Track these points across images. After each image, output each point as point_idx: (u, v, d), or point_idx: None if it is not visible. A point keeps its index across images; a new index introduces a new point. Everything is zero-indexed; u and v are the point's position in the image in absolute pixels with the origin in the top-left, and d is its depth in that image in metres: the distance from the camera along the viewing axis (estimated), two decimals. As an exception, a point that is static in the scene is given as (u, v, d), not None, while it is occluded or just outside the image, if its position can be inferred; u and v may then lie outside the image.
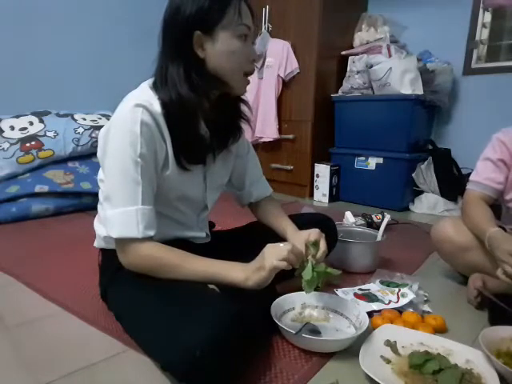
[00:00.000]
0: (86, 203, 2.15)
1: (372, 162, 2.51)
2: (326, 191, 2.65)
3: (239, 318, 0.70)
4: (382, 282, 1.20)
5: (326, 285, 1.19)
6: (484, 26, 2.49)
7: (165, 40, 0.84)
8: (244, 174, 1.11)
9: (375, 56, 2.45)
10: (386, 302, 1.07)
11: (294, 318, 0.98)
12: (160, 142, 0.82)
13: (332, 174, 2.63)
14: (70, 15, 2.67)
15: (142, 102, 0.78)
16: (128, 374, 0.80)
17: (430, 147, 2.47)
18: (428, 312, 1.07)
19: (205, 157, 0.92)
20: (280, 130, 2.81)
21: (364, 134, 2.53)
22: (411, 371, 0.77)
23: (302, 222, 1.05)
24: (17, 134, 2.17)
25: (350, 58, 2.63)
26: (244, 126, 1.02)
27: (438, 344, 0.86)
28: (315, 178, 2.70)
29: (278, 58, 2.67)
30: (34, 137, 2.17)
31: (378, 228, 1.46)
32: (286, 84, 2.75)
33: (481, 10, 2.46)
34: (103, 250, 0.99)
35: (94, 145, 2.28)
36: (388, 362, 0.81)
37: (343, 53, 2.70)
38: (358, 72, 2.54)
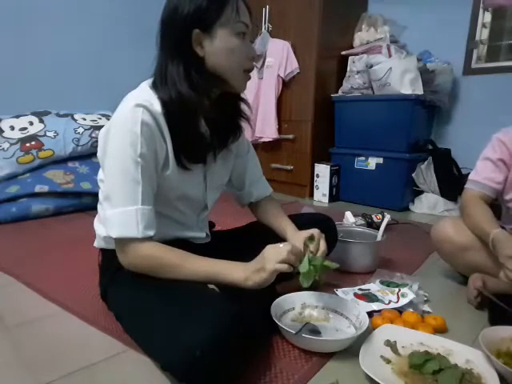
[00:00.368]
0: (85, 203, 2.15)
1: (372, 162, 2.51)
2: (326, 191, 2.65)
3: (239, 318, 0.70)
4: (382, 282, 1.20)
5: (325, 285, 1.20)
6: (484, 26, 2.49)
7: (163, 39, 0.84)
8: (244, 174, 1.11)
9: (375, 56, 2.45)
10: (386, 302, 1.07)
11: (294, 318, 0.98)
12: (160, 141, 0.82)
13: (332, 174, 2.63)
14: (70, 15, 2.68)
15: (142, 101, 0.78)
16: (128, 374, 0.80)
17: (430, 147, 2.47)
18: (428, 312, 1.07)
19: (205, 156, 0.92)
20: (280, 130, 2.81)
21: (364, 134, 2.53)
22: (411, 371, 0.77)
23: (302, 222, 1.05)
24: (17, 134, 2.17)
25: (350, 58, 2.63)
26: (244, 125, 1.02)
27: (438, 344, 0.86)
28: (315, 178, 2.70)
29: (278, 58, 2.68)
30: (33, 137, 2.17)
31: (378, 228, 1.46)
32: (286, 84, 2.75)
33: (481, 10, 2.46)
34: (103, 250, 0.99)
35: (94, 145, 2.28)
36: (388, 362, 0.81)
37: (343, 53, 2.70)
38: (357, 72, 2.54)
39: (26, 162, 2.09)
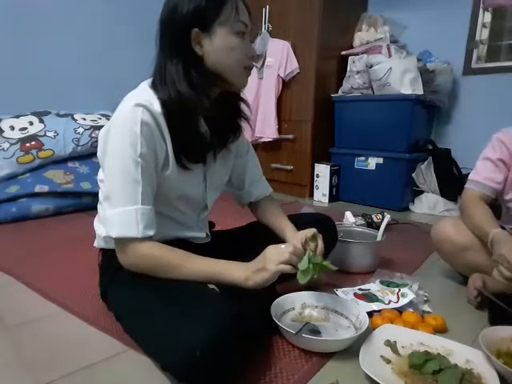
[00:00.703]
0: (85, 203, 2.15)
1: (372, 162, 2.51)
2: (326, 191, 2.65)
3: (239, 318, 0.70)
4: (382, 282, 1.20)
5: (325, 285, 1.20)
6: (484, 25, 2.49)
7: (163, 39, 0.84)
8: (244, 174, 1.11)
9: (375, 56, 2.45)
10: (386, 302, 1.07)
11: (294, 318, 0.98)
12: (160, 141, 0.82)
13: (332, 174, 2.63)
14: (70, 15, 2.67)
15: (142, 101, 0.78)
16: (128, 374, 0.80)
17: (430, 147, 2.47)
18: (428, 312, 1.07)
19: (205, 155, 0.92)
20: (280, 130, 2.81)
21: (364, 134, 2.53)
22: (411, 371, 0.77)
23: (302, 222, 1.05)
24: (17, 134, 2.17)
25: (350, 58, 2.63)
26: (244, 125, 1.02)
27: (438, 344, 0.86)
28: (315, 178, 2.70)
29: (278, 58, 2.67)
30: (33, 137, 2.17)
31: (377, 228, 1.46)
32: (286, 84, 2.74)
33: (481, 10, 2.46)
34: (103, 250, 0.99)
35: (94, 145, 2.28)
36: (388, 362, 0.81)
37: (343, 53, 2.70)
38: (357, 72, 2.54)
39: (25, 162, 2.09)
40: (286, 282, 1.06)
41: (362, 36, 2.66)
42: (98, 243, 0.99)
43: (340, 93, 2.67)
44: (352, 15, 2.73)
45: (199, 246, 1.00)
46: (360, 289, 1.17)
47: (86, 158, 2.31)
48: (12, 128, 2.19)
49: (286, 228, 1.03)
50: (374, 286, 1.19)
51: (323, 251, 0.94)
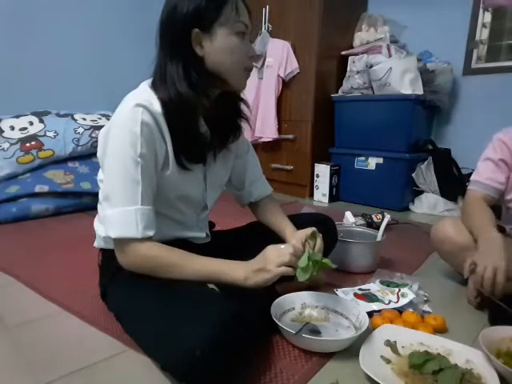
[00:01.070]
0: (86, 203, 2.15)
1: (372, 162, 2.51)
2: (326, 191, 2.65)
3: (239, 318, 0.70)
4: (382, 282, 1.20)
5: (325, 285, 1.20)
6: (484, 25, 2.49)
7: (163, 39, 0.84)
8: (244, 174, 1.11)
9: (375, 56, 2.45)
10: (386, 302, 1.07)
11: (294, 318, 0.98)
12: (160, 141, 0.82)
13: (332, 174, 2.63)
14: (70, 15, 2.67)
15: (142, 101, 0.78)
16: (128, 374, 0.80)
17: (430, 147, 2.47)
18: (428, 312, 1.07)
19: (205, 156, 0.92)
20: (280, 130, 2.81)
21: (364, 134, 2.53)
22: (411, 371, 0.77)
23: (302, 221, 1.05)
24: (17, 134, 2.17)
25: (350, 58, 2.62)
26: (243, 125, 1.02)
27: (438, 344, 0.86)
28: (315, 178, 2.70)
29: (278, 58, 2.67)
30: (33, 137, 2.17)
31: (377, 228, 1.46)
32: (286, 84, 2.74)
33: (481, 10, 2.46)
34: (103, 250, 0.99)
35: (94, 145, 2.28)
36: (388, 362, 0.81)
37: (343, 53, 2.70)
38: (357, 72, 2.54)
39: (26, 162, 2.09)
40: (286, 282, 1.06)
41: (362, 36, 2.66)
42: (97, 243, 0.99)
43: (340, 93, 2.67)
44: (352, 15, 2.73)
45: (199, 246, 1.00)
46: (360, 289, 1.17)
47: (86, 157, 2.31)
48: (12, 128, 2.19)
49: (286, 228, 1.03)
50: (374, 286, 1.19)
51: (322, 249, 0.94)
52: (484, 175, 1.16)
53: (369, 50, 2.56)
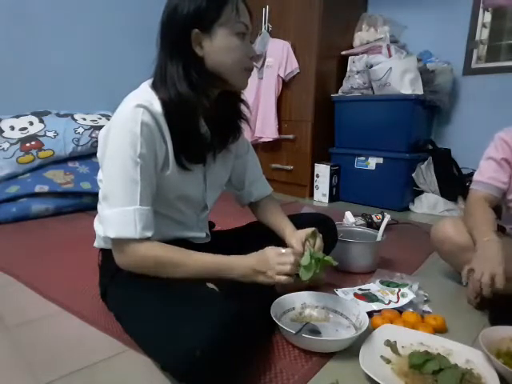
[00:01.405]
0: (86, 203, 2.15)
1: (372, 162, 2.51)
2: (326, 191, 2.65)
3: (239, 318, 0.70)
4: (382, 282, 1.20)
5: (325, 285, 1.20)
6: (484, 25, 2.49)
7: (163, 40, 0.84)
8: (244, 174, 1.11)
9: (375, 56, 2.45)
10: (386, 302, 1.07)
11: (294, 318, 0.97)
12: (160, 142, 0.82)
13: (332, 174, 2.63)
14: (70, 15, 2.67)
15: (142, 102, 0.78)
16: (128, 374, 0.80)
17: (430, 147, 2.47)
18: (428, 312, 1.07)
19: (205, 156, 0.92)
20: (280, 130, 2.81)
21: (364, 134, 2.53)
22: (411, 371, 0.77)
23: (302, 221, 1.05)
24: (17, 134, 2.16)
25: (350, 57, 2.62)
26: (243, 125, 1.02)
27: (438, 344, 0.86)
28: (315, 178, 2.70)
29: (278, 58, 2.67)
30: (34, 137, 2.17)
31: (377, 228, 1.46)
32: (286, 84, 2.74)
33: (481, 10, 2.46)
34: (103, 250, 0.99)
35: (94, 145, 2.28)
36: (388, 362, 0.81)
37: (343, 53, 2.70)
38: (357, 72, 2.54)
39: (26, 162, 2.09)
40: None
41: (362, 36, 2.66)
42: (97, 243, 0.99)
43: (340, 93, 2.67)
44: (352, 15, 2.73)
45: (199, 246, 1.00)
46: (360, 289, 1.17)
47: (86, 158, 2.31)
48: (12, 128, 2.19)
49: (286, 228, 1.03)
50: (374, 286, 1.19)
51: (322, 249, 0.94)
52: (486, 175, 1.16)
53: (369, 49, 2.56)
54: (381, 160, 2.47)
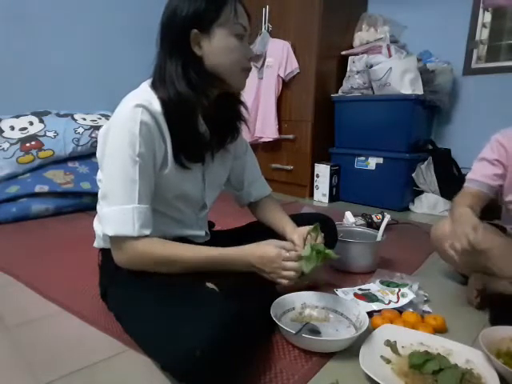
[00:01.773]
0: (86, 203, 2.15)
1: (372, 162, 2.51)
2: (326, 191, 2.65)
3: (239, 318, 0.70)
4: (382, 282, 1.20)
5: (325, 285, 1.20)
6: (484, 25, 2.49)
7: (163, 40, 0.85)
8: (242, 175, 1.11)
9: (375, 56, 2.45)
10: (386, 302, 1.07)
11: (294, 318, 0.97)
12: (159, 141, 0.82)
13: (332, 174, 2.63)
14: (70, 15, 2.68)
15: (141, 101, 0.78)
16: (128, 374, 0.80)
17: (430, 147, 2.47)
18: (428, 312, 1.07)
19: (203, 155, 0.92)
20: (280, 130, 2.81)
21: (364, 134, 2.53)
22: (411, 371, 0.77)
23: (302, 221, 1.04)
24: (17, 134, 2.16)
25: (350, 57, 2.62)
26: (241, 126, 1.03)
27: (438, 344, 0.86)
28: (315, 178, 2.70)
29: (278, 58, 2.67)
30: (33, 137, 2.17)
31: (378, 228, 1.46)
32: (286, 84, 2.74)
33: (481, 10, 2.46)
34: (103, 250, 0.99)
35: (94, 145, 2.28)
36: (388, 362, 0.81)
37: (343, 53, 2.70)
38: (357, 72, 2.54)
39: (26, 162, 2.09)
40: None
41: (361, 36, 2.66)
42: (97, 243, 0.99)
43: (340, 93, 2.67)
44: (352, 15, 2.73)
45: (199, 244, 1.00)
46: (360, 289, 1.17)
47: (85, 158, 2.31)
48: (12, 128, 2.19)
49: (287, 225, 1.03)
50: (374, 286, 1.19)
51: (323, 242, 0.94)
52: (478, 173, 1.16)
53: (369, 49, 2.55)
54: (381, 160, 2.47)
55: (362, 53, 2.57)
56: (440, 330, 0.96)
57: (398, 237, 1.83)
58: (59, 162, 2.21)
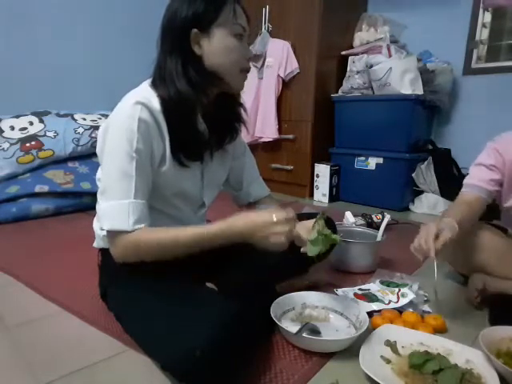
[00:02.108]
0: (85, 203, 2.14)
1: (372, 162, 2.51)
2: (326, 191, 2.65)
3: (239, 318, 0.71)
4: (382, 282, 1.20)
5: (325, 285, 1.20)
6: (484, 25, 2.49)
7: (163, 41, 0.86)
8: (241, 175, 1.11)
9: (375, 56, 2.45)
10: (386, 302, 1.07)
11: (294, 318, 0.97)
12: (158, 139, 0.82)
13: (332, 174, 2.63)
14: (70, 15, 2.67)
15: (141, 99, 0.79)
16: (128, 374, 0.80)
17: (430, 147, 2.47)
18: (428, 312, 1.07)
19: (202, 153, 0.92)
20: (280, 130, 2.81)
21: (364, 134, 2.53)
22: (411, 371, 0.77)
23: (303, 220, 1.04)
24: (17, 134, 2.16)
25: (350, 58, 2.62)
26: (240, 127, 1.03)
27: (438, 344, 0.86)
28: (315, 178, 2.70)
29: (278, 58, 2.67)
30: (34, 137, 2.17)
31: (378, 228, 1.46)
32: (286, 84, 2.74)
33: (481, 10, 2.46)
34: (103, 250, 0.99)
35: (94, 145, 2.28)
36: (388, 362, 0.81)
37: (343, 53, 2.70)
38: (357, 72, 2.54)
39: (26, 162, 2.09)
40: (285, 282, 1.06)
41: (361, 36, 2.66)
42: (97, 243, 0.99)
43: (340, 93, 2.67)
44: (352, 15, 2.73)
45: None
46: (360, 289, 1.17)
47: (85, 157, 2.31)
48: (12, 128, 2.19)
49: None
50: (374, 286, 1.19)
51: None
52: (475, 178, 1.16)
53: (369, 50, 2.55)
54: (381, 160, 2.47)
55: (362, 53, 2.57)
56: (440, 330, 0.96)
57: (398, 237, 1.82)
58: (59, 161, 2.21)
